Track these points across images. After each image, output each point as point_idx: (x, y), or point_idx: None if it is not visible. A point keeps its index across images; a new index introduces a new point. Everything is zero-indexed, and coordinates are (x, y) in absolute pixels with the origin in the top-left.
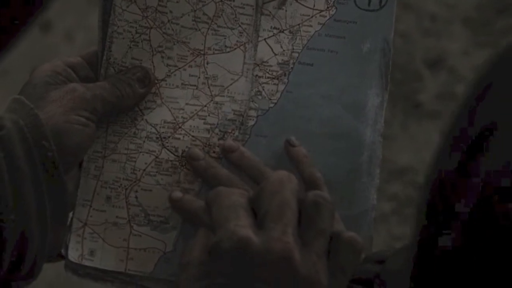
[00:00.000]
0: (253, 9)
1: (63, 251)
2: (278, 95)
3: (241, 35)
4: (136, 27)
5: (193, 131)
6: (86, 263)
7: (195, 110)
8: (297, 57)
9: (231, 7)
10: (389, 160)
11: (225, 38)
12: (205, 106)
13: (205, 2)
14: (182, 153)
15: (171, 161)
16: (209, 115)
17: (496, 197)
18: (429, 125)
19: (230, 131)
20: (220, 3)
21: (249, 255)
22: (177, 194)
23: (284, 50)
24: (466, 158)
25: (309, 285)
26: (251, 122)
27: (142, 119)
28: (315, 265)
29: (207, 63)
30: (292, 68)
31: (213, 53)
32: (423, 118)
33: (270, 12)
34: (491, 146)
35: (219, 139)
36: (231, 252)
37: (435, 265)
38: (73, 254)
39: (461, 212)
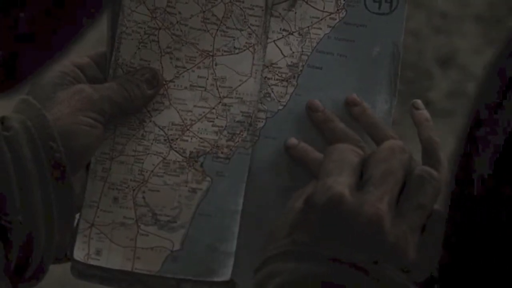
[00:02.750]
0: (262, 10)
1: (68, 253)
2: (287, 97)
3: (250, 37)
4: (144, 28)
5: (201, 133)
6: (92, 262)
7: (203, 112)
8: (307, 60)
9: (240, 8)
10: None
11: (234, 40)
12: (214, 108)
13: (214, 3)
14: (190, 154)
15: (178, 162)
16: (217, 118)
17: None
18: (440, 124)
19: (238, 132)
20: (229, 4)
21: (340, 213)
22: (293, 141)
23: (293, 52)
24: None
25: (395, 254)
26: (260, 124)
27: (150, 121)
28: (405, 236)
29: (216, 65)
30: (301, 70)
31: (222, 55)
32: (433, 117)
33: (279, 13)
34: None
35: (227, 141)
36: (323, 206)
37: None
38: (79, 254)
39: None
